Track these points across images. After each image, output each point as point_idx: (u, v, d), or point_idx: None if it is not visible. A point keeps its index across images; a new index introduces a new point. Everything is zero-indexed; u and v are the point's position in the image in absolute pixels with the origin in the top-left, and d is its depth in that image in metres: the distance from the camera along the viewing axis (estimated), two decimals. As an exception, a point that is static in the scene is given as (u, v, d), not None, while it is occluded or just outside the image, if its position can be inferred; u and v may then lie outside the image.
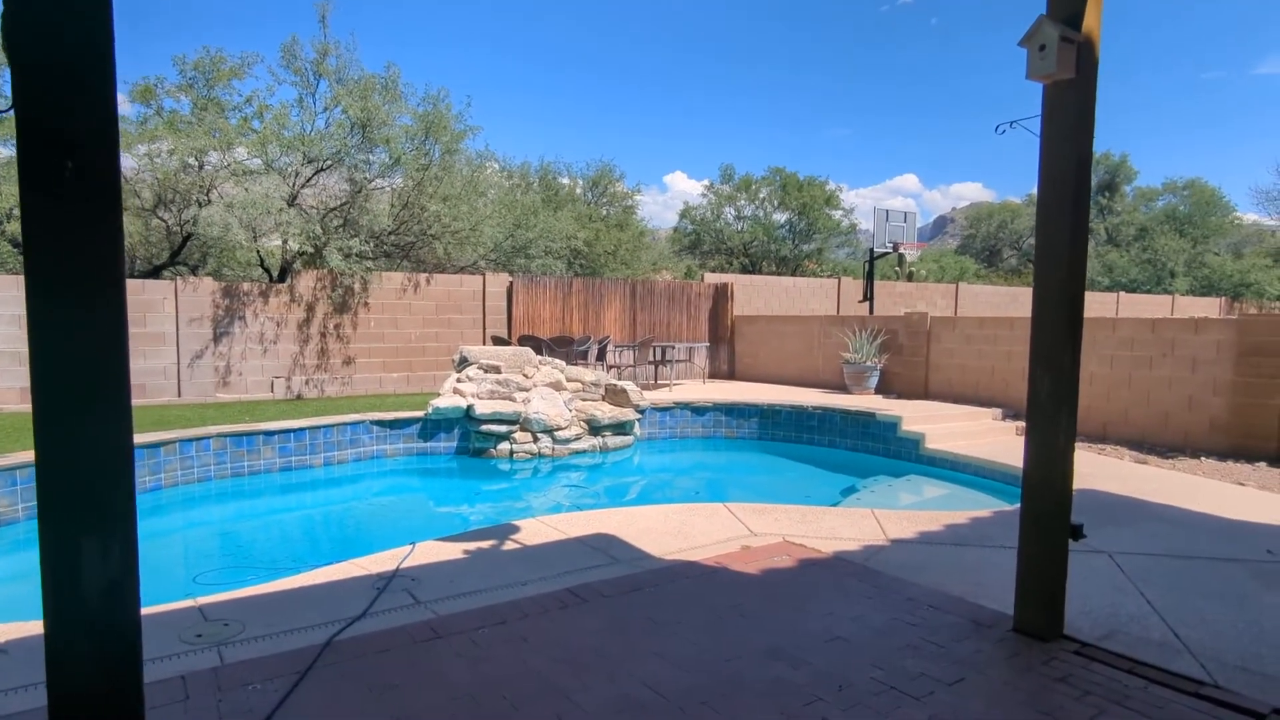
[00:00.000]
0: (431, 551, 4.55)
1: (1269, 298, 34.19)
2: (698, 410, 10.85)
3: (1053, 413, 3.38)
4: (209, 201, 10.38)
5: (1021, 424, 10.10)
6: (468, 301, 12.59)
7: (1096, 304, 26.07)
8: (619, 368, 12.40)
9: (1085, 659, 3.21)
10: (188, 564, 5.35)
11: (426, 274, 12.10)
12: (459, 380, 9.74)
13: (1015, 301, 23.56)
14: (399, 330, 11.93)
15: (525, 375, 9.91)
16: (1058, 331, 3.32)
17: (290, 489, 7.86)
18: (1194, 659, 3.27)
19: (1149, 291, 34.02)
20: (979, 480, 8.12)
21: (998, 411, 10.40)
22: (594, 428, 9.70)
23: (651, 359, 13.32)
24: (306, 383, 11.10)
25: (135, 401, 9.79)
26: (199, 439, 7.36)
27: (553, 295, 13.62)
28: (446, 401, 9.18)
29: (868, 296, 17.22)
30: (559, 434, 9.35)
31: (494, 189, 13.99)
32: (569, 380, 10.38)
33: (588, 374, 10.49)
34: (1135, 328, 9.47)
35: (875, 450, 9.64)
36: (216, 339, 10.34)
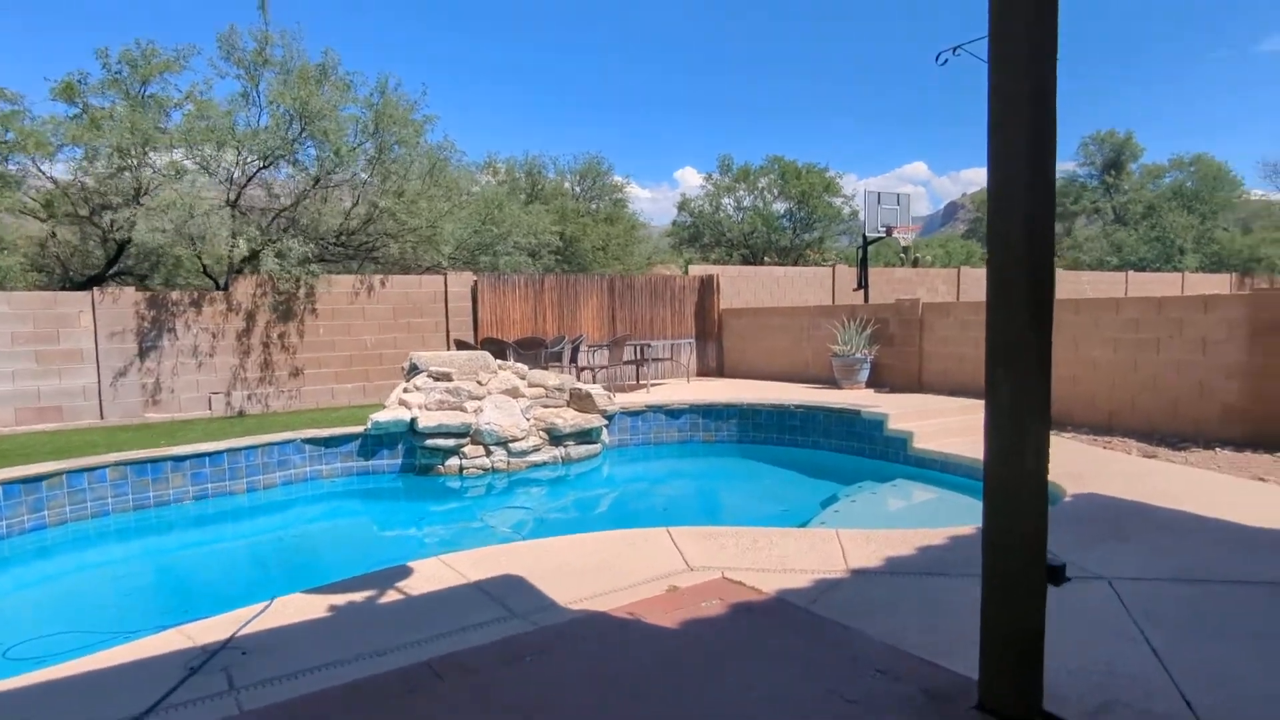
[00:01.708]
0: (289, 610, 3.81)
1: (1280, 272, 33.08)
2: (672, 413, 10.08)
3: (1018, 424, 2.60)
4: (139, 206, 9.67)
5: (1020, 417, 9.28)
6: (429, 304, 11.86)
7: (1105, 284, 25.11)
8: (593, 369, 11.65)
9: (1069, 753, 2.44)
10: (17, 628, 4.63)
11: (381, 276, 11.37)
12: (405, 390, 9.01)
13: (1019, 284, 22.60)
14: (352, 337, 11.20)
15: (479, 382, 9.17)
16: (1017, 318, 2.54)
17: (205, 521, 7.14)
18: (1214, 746, 2.49)
19: (1158, 269, 32.96)
20: (971, 483, 7.32)
21: (994, 404, 9.56)
22: (554, 437, 8.95)
23: (629, 358, 12.55)
24: (249, 397, 10.40)
25: (50, 425, 9.13)
26: (92, 469, 6.65)
27: (523, 294, 12.86)
28: (388, 415, 8.45)
29: (862, 284, 16.39)
30: (514, 446, 8.61)
31: (459, 183, 13.21)
32: (530, 386, 9.64)
33: (551, 378, 9.74)
34: (1140, 307, 8.63)
35: (861, 451, 8.85)
36: (143, 354, 9.63)
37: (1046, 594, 2.70)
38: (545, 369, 11.44)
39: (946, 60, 2.65)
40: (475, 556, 4.63)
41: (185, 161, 10.08)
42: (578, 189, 24.89)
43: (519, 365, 9.89)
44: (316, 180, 11.51)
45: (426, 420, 8.36)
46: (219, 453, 7.48)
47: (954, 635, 3.29)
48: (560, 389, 9.66)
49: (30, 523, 6.18)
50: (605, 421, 9.45)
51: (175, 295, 9.88)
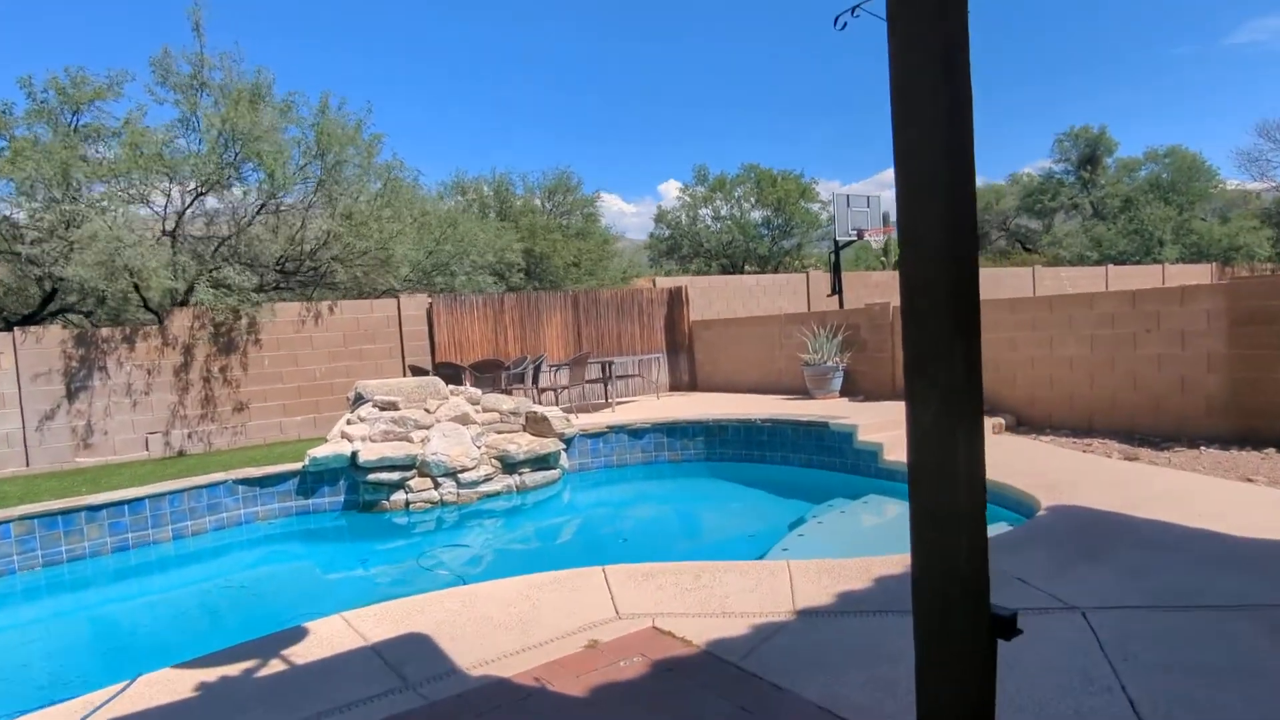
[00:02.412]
0: (152, 690, 3.32)
1: (1260, 259, 33.00)
2: (636, 433, 9.62)
3: (944, 448, 2.16)
4: (62, 241, 9.17)
5: (999, 421, 8.88)
6: (382, 329, 11.38)
7: (1085, 279, 24.89)
8: (555, 390, 11.18)
9: None
10: None
11: (329, 302, 10.89)
12: (349, 422, 8.52)
13: (997, 283, 22.35)
14: (300, 367, 10.70)
15: (427, 410, 8.69)
16: (938, 323, 2.10)
17: (124, 576, 6.62)
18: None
19: (1139, 262, 32.84)
20: (944, 496, 6.88)
21: (970, 408, 9.16)
22: (508, 465, 8.47)
23: (594, 377, 12.10)
24: (189, 436, 9.86)
25: (-21, 476, 8.56)
26: (-9, 526, 6.13)
27: (482, 314, 12.41)
28: (327, 449, 7.95)
29: (836, 290, 16.03)
30: (464, 476, 8.12)
31: (413, 203, 12.75)
32: (485, 411, 9.17)
33: (506, 402, 9.27)
34: (1115, 302, 8.26)
35: (832, 465, 8.41)
36: (71, 395, 9.09)
37: (996, 652, 2.26)
38: (506, 392, 10.97)
39: (845, 25, 2.23)
40: (384, 612, 4.14)
41: (117, 192, 9.58)
42: (548, 205, 24.49)
43: (472, 390, 9.42)
44: (261, 206, 11.05)
45: (368, 454, 7.87)
46: (139, 499, 6.96)
47: (905, 692, 2.84)
48: (515, 413, 9.20)
49: (-86, 590, 5.66)
50: (563, 446, 8.98)
51: (105, 332, 9.36)
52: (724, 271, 31.36)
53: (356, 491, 7.95)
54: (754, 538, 6.78)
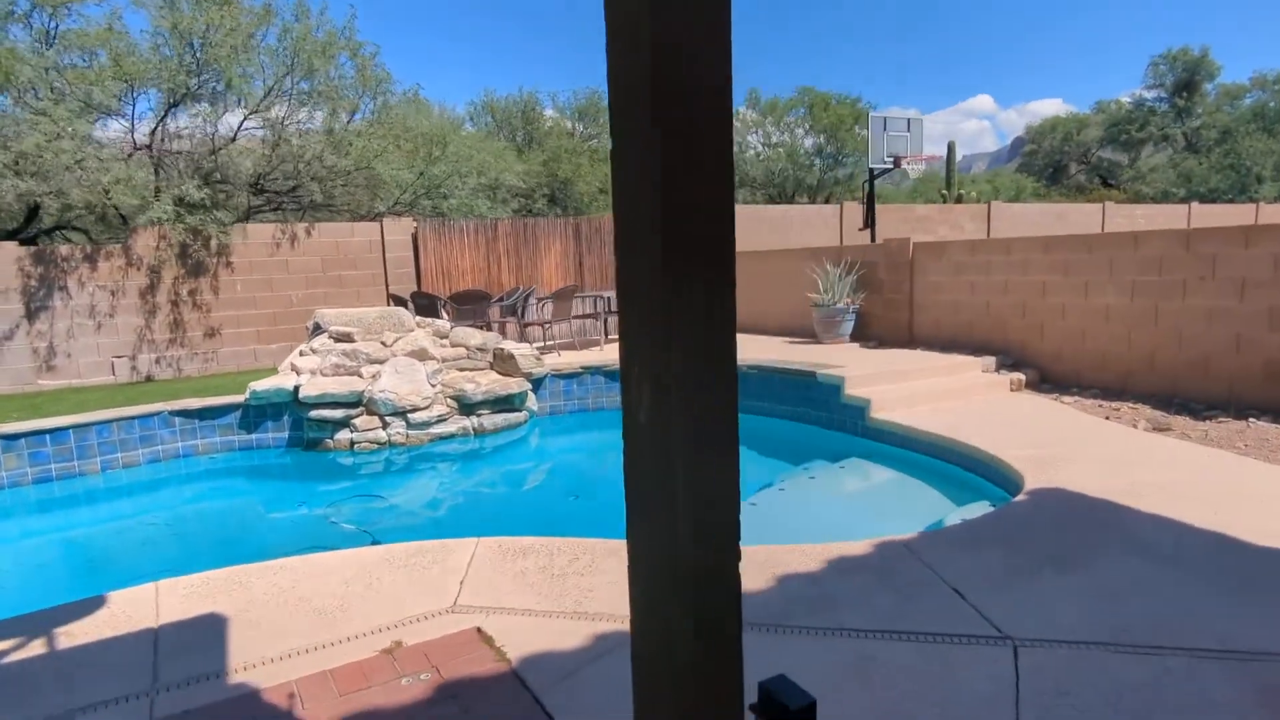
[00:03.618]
0: None
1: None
2: (612, 375, 8.88)
3: (666, 453, 1.34)
4: (11, 152, 8.72)
5: (1019, 376, 7.83)
6: (363, 255, 10.79)
7: (1162, 218, 22.61)
8: (541, 325, 10.48)
9: None
10: None
11: (306, 224, 10.30)
12: (300, 353, 8.01)
13: (1062, 221, 20.45)
14: (275, 293, 10.23)
15: (384, 344, 8.11)
16: (653, 292, 1.26)
17: (47, 507, 6.32)
18: None
19: (1230, 200, 29.93)
20: (934, 464, 6.01)
21: (989, 361, 8.12)
22: (464, 406, 7.87)
23: (587, 312, 11.34)
24: (157, 361, 9.55)
25: (-66, 396, 8.41)
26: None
27: (473, 242, 11.69)
28: (269, 383, 7.47)
29: (869, 223, 14.74)
30: (415, 416, 7.56)
31: (403, 121, 11.94)
32: (452, 346, 8.56)
33: (474, 337, 8.63)
34: (1163, 243, 7.03)
35: (818, 420, 7.55)
36: (31, 315, 8.81)
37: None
38: (485, 327, 10.34)
39: None
40: (204, 583, 3.59)
41: (75, 102, 9.05)
42: (579, 127, 23.31)
43: (440, 323, 8.79)
44: (240, 123, 10.43)
45: (310, 388, 7.36)
46: (63, 429, 6.61)
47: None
48: (483, 349, 8.55)
49: None
50: (529, 386, 8.32)
51: (65, 250, 9.00)
52: (770, 202, 29.82)
53: (301, 428, 7.49)
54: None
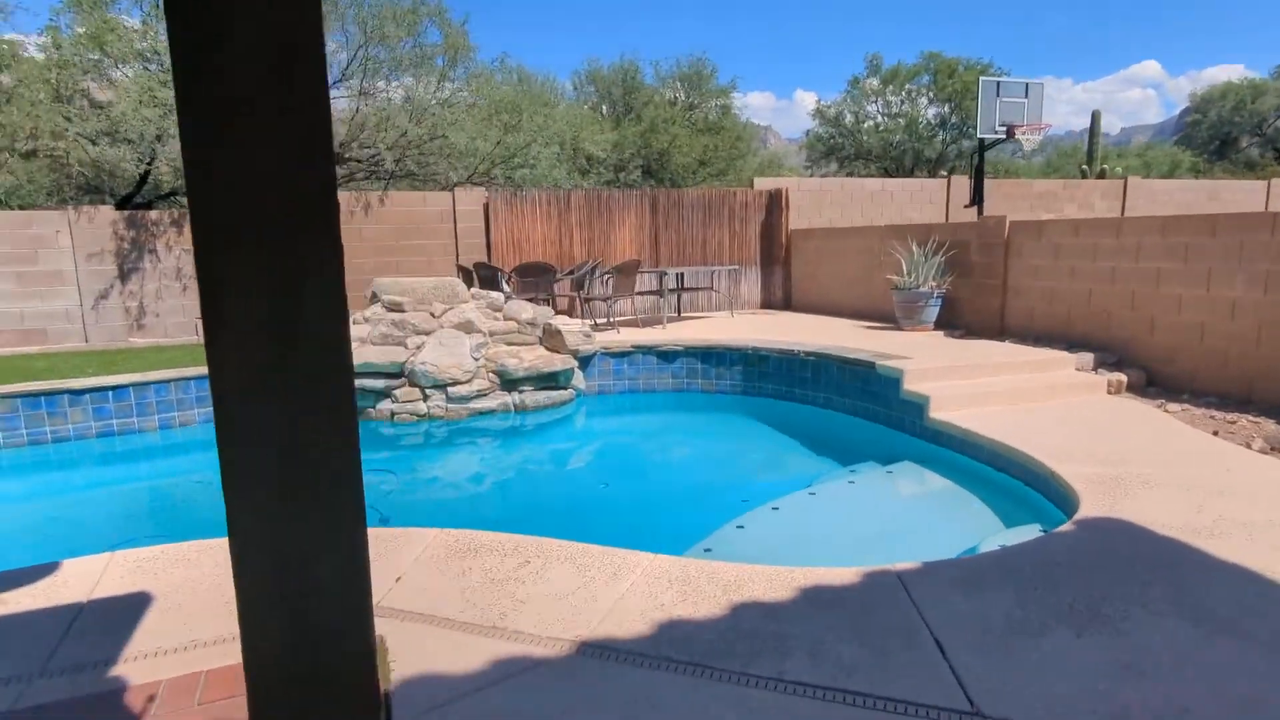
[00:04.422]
0: None
1: None
2: (666, 355, 8.49)
3: (250, 491, 1.03)
4: (109, 118, 9.23)
5: (1120, 377, 6.85)
6: (435, 225, 10.83)
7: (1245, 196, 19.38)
8: (605, 300, 10.18)
9: None
10: None
11: (379, 193, 10.43)
12: (354, 321, 8.09)
13: (1215, 200, 18.07)
14: (349, 260, 10.39)
15: (432, 314, 8.06)
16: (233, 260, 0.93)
17: (109, 460, 6.66)
18: None
19: None
20: (994, 474, 5.30)
21: (1087, 358, 7.16)
22: (506, 381, 7.72)
23: (652, 288, 10.95)
24: (237, 324, 9.97)
25: (34, 348, 9.11)
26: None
27: (545, 213, 11.51)
28: (317, 350, 7.57)
29: (976, 199, 13.49)
30: (455, 390, 7.48)
31: (486, 90, 11.83)
32: (505, 319, 8.42)
33: (526, 310, 8.46)
34: (1309, 227, 5.87)
35: (875, 415, 6.89)
36: (124, 276, 9.36)
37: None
38: (548, 302, 10.17)
39: None
40: (159, 556, 3.55)
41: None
42: (680, 96, 22.68)
43: (495, 295, 8.66)
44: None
45: (353, 357, 7.40)
46: (124, 387, 6.95)
47: None
48: (533, 323, 8.37)
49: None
50: (576, 364, 8.07)
51: (154, 215, 9.50)
52: (886, 175, 28.17)
53: (346, 396, 7.55)
54: (746, 502, 5.55)
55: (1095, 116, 29.59)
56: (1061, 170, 33.78)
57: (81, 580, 3.33)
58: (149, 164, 9.53)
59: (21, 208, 11.21)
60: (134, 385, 6.98)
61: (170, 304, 9.67)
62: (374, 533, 3.81)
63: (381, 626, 2.87)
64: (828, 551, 4.40)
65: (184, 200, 13.42)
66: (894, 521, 4.97)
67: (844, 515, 5.08)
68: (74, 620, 2.98)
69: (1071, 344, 7.65)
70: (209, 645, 2.77)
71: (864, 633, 2.75)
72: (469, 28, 11.80)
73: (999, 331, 8.66)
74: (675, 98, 22.52)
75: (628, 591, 3.10)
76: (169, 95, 9.23)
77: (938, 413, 6.04)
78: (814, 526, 4.88)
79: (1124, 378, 6.87)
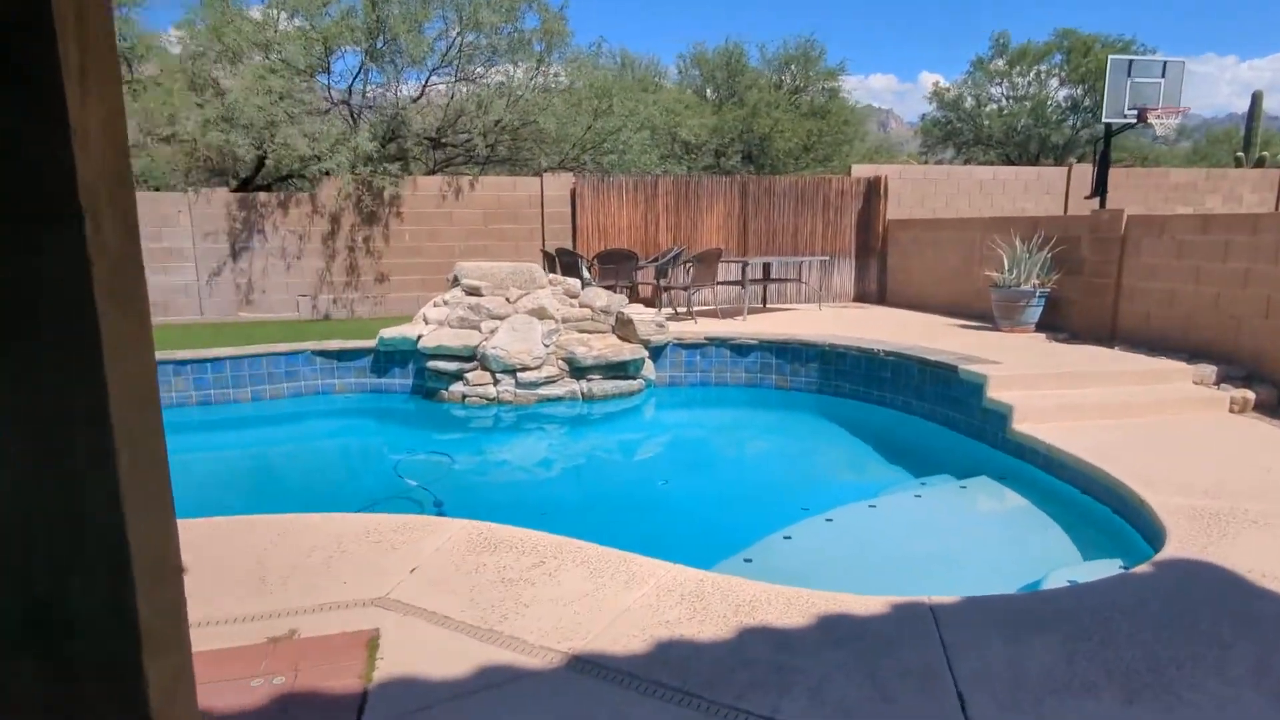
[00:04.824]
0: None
1: None
2: (740, 349, 8.24)
3: None
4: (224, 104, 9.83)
5: (1247, 394, 6.10)
6: (523, 209, 10.95)
7: None
8: (686, 289, 9.98)
9: None
10: None
11: (470, 178, 10.63)
12: (434, 304, 8.29)
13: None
14: (438, 243, 10.72)
15: (508, 299, 8.15)
16: None
17: (207, 427, 7.13)
18: None
19: None
20: (1079, 497, 4.82)
21: (1208, 371, 6.42)
22: (575, 369, 7.71)
23: (737, 278, 10.68)
24: (335, 302, 10.44)
25: (157, 320, 9.83)
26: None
27: (631, 199, 11.42)
28: (396, 331, 7.81)
29: (1099, 190, 12.39)
30: (524, 375, 7.53)
31: (582, 75, 11.80)
32: (580, 306, 8.42)
33: (600, 298, 8.42)
34: None
35: (955, 423, 6.43)
36: (235, 254, 9.98)
37: None
38: (629, 289, 10.10)
39: None
40: (211, 529, 3.72)
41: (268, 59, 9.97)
42: (785, 79, 21.98)
43: (571, 282, 8.67)
44: (425, 82, 10.94)
45: (429, 340, 7.58)
46: (220, 360, 7.40)
47: None
48: (607, 311, 8.32)
49: None
50: (646, 354, 7.96)
51: (263, 197, 10.07)
52: (1007, 163, 26.42)
53: (422, 377, 7.77)
54: (806, 510, 5.29)
55: (1256, 98, 26.72)
56: (1211, 158, 30.66)
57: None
58: (260, 149, 10.10)
59: (157, 189, 12.10)
60: (230, 358, 7.42)
61: (275, 281, 10.26)
62: (404, 520, 3.85)
63: (382, 619, 2.88)
64: (873, 573, 4.12)
65: (295, 183, 14.20)
66: (956, 543, 4.60)
67: (902, 532, 4.75)
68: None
69: (1192, 354, 6.87)
70: (202, 626, 2.85)
71: (877, 673, 2.51)
72: (568, 12, 11.84)
73: (1108, 337, 7.90)
74: (780, 81, 21.85)
75: (635, 604, 2.98)
76: (280, 83, 9.76)
77: (1021, 424, 5.55)
78: (866, 543, 4.59)
79: (1251, 395, 6.11)
